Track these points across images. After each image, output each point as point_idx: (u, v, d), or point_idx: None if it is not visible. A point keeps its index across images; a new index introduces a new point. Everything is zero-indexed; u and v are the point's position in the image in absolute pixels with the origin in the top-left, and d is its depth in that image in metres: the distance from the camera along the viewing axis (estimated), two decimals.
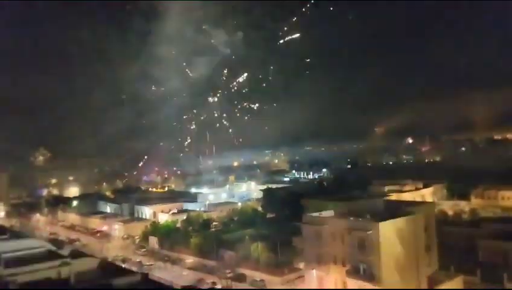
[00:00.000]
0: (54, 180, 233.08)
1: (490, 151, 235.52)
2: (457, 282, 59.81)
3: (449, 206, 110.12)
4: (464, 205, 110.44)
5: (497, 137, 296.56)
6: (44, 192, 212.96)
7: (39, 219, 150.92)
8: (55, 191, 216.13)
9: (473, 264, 60.75)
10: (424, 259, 58.55)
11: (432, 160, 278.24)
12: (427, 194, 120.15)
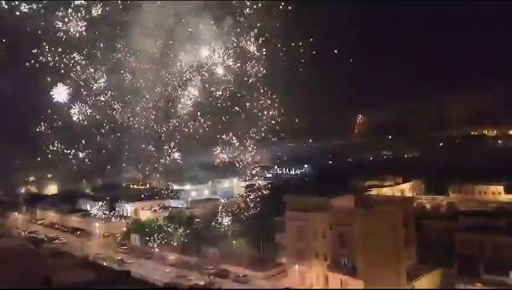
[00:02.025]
0: (31, 178, 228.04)
1: (467, 147, 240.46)
2: (436, 275, 61.38)
3: (427, 201, 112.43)
4: (441, 199, 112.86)
5: (474, 133, 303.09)
6: (22, 190, 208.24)
7: (17, 218, 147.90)
8: (33, 189, 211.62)
9: (451, 257, 62.27)
10: (403, 252, 59.72)
11: (410, 155, 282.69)
12: (406, 189, 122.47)
